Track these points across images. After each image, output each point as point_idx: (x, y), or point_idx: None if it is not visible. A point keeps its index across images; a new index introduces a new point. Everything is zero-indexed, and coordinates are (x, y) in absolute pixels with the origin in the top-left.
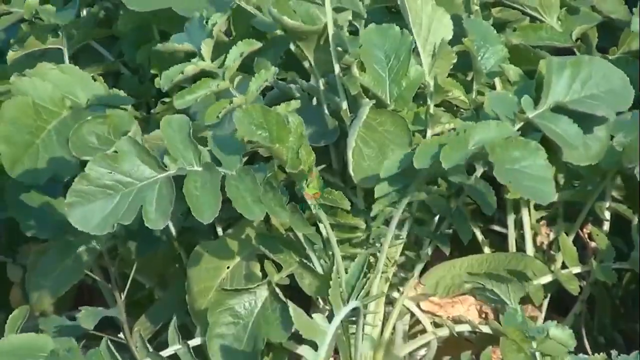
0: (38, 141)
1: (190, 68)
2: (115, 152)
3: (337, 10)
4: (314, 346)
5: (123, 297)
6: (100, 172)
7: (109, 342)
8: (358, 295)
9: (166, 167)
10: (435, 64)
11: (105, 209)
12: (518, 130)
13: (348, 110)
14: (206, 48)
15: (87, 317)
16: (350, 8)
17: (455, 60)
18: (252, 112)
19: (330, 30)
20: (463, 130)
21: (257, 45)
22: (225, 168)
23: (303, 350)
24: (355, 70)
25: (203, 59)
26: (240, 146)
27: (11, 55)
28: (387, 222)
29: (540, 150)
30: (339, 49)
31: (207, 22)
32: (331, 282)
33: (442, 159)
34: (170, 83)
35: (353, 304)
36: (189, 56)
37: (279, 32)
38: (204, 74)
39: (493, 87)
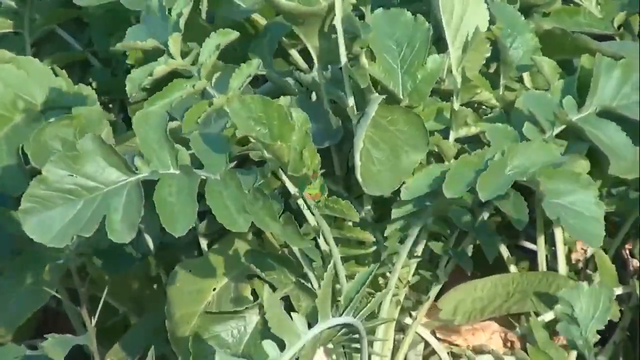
0: None
1: (160, 69)
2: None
3: None
4: (282, 346)
5: (94, 322)
6: (59, 175)
7: None
8: (357, 312)
9: (136, 170)
10: (466, 57)
11: (66, 217)
12: (556, 135)
13: (355, 107)
14: (174, 44)
15: (55, 347)
16: None
17: (489, 54)
18: (251, 104)
19: (339, 11)
20: (501, 152)
21: (234, 35)
22: (208, 171)
23: (266, 344)
24: (364, 60)
25: (172, 57)
26: (227, 146)
27: None
28: (402, 240)
29: (592, 185)
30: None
31: (169, 11)
32: (321, 284)
33: (479, 189)
34: (138, 87)
35: (346, 319)
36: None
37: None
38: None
39: (522, 82)
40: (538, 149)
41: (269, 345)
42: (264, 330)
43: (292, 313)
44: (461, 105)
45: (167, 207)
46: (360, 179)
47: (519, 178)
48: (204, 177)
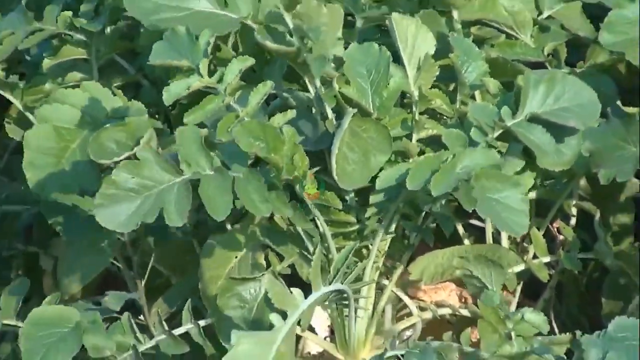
0: (64, 161)
1: (196, 85)
2: (137, 159)
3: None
4: (284, 315)
5: (143, 283)
6: (124, 177)
7: (130, 316)
8: (344, 279)
9: (182, 172)
10: (420, 76)
11: (130, 209)
12: (496, 138)
13: (334, 119)
14: (203, 66)
15: (113, 300)
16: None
17: (438, 73)
18: (250, 126)
19: (301, 53)
20: (452, 155)
21: (251, 61)
22: (234, 172)
23: (273, 317)
24: (335, 84)
25: (201, 76)
26: (245, 153)
27: (46, 62)
28: (379, 221)
29: (520, 185)
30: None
31: (196, 38)
32: (312, 263)
33: (431, 187)
34: (175, 98)
35: (336, 286)
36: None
37: None
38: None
39: (474, 98)
40: (481, 153)
41: (274, 317)
42: (267, 301)
43: (291, 288)
44: (420, 113)
45: (208, 199)
46: (336, 177)
47: (465, 177)
48: (233, 176)
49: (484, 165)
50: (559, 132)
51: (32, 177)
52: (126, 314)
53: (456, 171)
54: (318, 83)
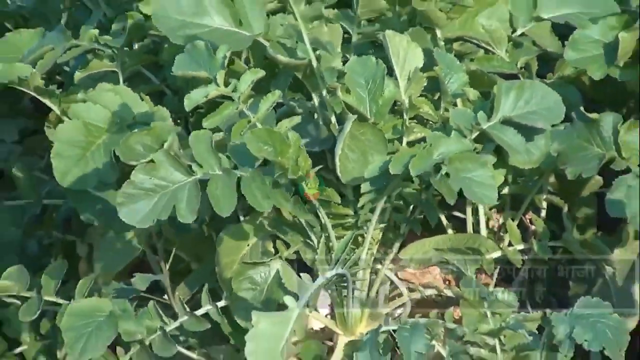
0: (88, 154)
1: (213, 93)
2: (153, 161)
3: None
4: (297, 298)
5: (167, 267)
6: (142, 178)
7: (155, 304)
8: (344, 264)
9: (194, 172)
10: (410, 87)
11: (148, 206)
12: (474, 139)
13: (337, 123)
14: (220, 77)
15: (140, 281)
16: (329, 52)
17: (425, 84)
18: (259, 133)
19: (314, 63)
20: (430, 143)
21: (262, 73)
22: (242, 170)
23: (286, 299)
24: (339, 93)
25: (218, 85)
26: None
27: (77, 75)
28: (372, 210)
29: (488, 164)
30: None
31: (214, 52)
32: (318, 252)
33: (410, 167)
34: (195, 104)
35: (337, 270)
36: (204, 81)
37: None
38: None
39: (456, 105)
40: (455, 141)
41: (287, 298)
42: (281, 284)
43: (301, 274)
44: (410, 118)
45: (214, 198)
46: (339, 174)
47: (440, 161)
48: (239, 175)
49: (457, 151)
50: (528, 133)
51: (58, 165)
52: (152, 302)
53: (433, 157)
54: (325, 92)
